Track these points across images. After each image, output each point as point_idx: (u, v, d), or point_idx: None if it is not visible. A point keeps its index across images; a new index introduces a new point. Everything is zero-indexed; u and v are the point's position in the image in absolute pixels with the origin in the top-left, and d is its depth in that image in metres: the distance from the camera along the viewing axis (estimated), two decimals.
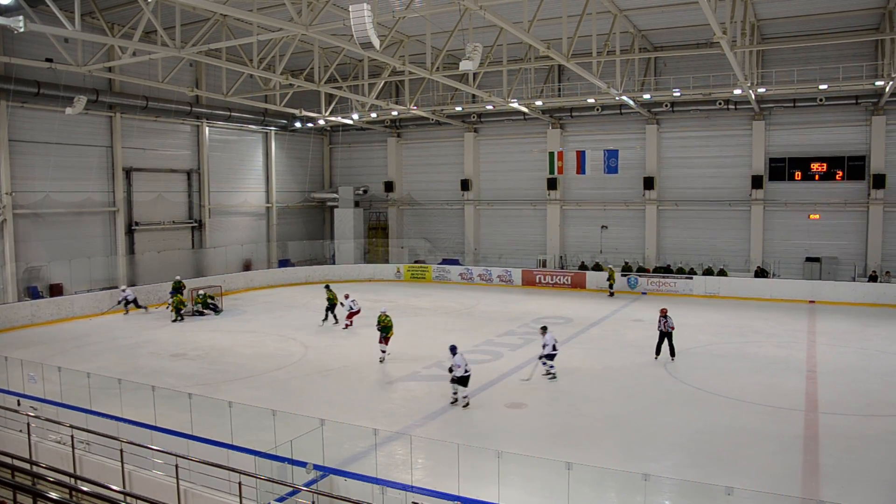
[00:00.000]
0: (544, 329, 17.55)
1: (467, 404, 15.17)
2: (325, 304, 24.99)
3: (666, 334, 19.10)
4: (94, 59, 24.88)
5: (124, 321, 25.69)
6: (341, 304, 24.03)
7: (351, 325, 23.77)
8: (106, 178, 30.69)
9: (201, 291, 27.37)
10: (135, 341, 22.32)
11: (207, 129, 35.60)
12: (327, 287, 25.78)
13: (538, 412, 14.88)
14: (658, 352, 19.28)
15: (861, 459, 12.15)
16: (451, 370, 15.26)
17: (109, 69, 26.73)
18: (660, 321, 19.19)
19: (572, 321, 25.26)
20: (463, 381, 15.15)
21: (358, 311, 23.72)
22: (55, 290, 27.82)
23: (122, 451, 10.26)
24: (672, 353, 19.15)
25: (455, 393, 15.31)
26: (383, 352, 19.44)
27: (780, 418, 14.26)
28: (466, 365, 15.15)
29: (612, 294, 31.38)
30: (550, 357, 17.19)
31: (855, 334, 22.67)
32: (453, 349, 15.38)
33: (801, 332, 23.14)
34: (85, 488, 9.17)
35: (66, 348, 21.47)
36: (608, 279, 31.64)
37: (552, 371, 17.25)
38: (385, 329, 19.40)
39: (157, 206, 33.13)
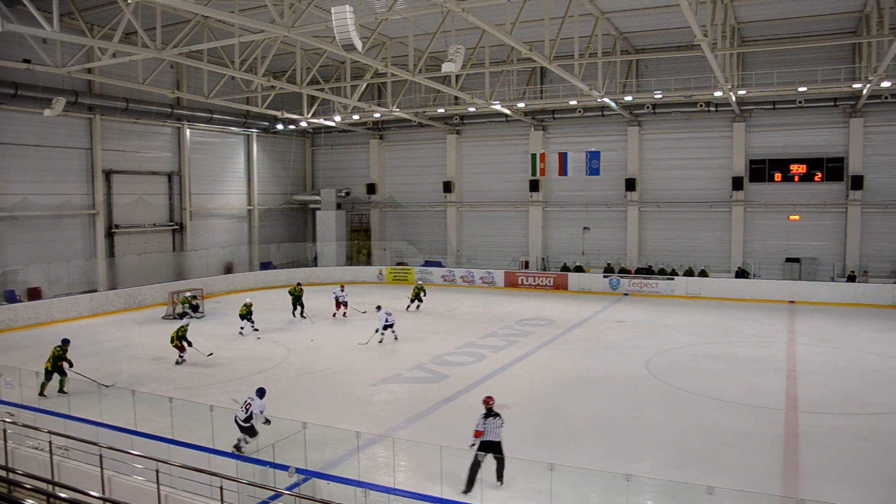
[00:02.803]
0: (378, 308, 22.31)
1: None
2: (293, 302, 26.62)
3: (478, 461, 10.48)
4: (74, 60, 24.56)
5: (105, 324, 25.38)
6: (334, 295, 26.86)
7: (344, 314, 26.56)
8: (85, 181, 30.28)
9: (188, 293, 27.17)
10: (116, 345, 22.06)
11: (188, 131, 35.29)
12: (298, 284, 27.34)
13: (521, 414, 14.87)
14: (470, 485, 10.38)
15: (840, 458, 12.30)
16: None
17: (89, 70, 26.43)
18: (477, 426, 10.71)
19: (554, 322, 25.34)
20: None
21: (345, 303, 26.71)
22: (33, 294, 27.41)
23: (101, 456, 10.15)
24: (500, 475, 10.66)
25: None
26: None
27: (760, 418, 14.40)
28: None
29: (417, 307, 28.47)
30: (387, 327, 21.56)
31: (834, 334, 22.95)
32: None
33: (782, 332, 23.39)
34: (63, 495, 9.03)
35: (44, 353, 21.07)
36: (413, 293, 28.83)
37: (390, 333, 21.79)
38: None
39: (138, 209, 32.75)
